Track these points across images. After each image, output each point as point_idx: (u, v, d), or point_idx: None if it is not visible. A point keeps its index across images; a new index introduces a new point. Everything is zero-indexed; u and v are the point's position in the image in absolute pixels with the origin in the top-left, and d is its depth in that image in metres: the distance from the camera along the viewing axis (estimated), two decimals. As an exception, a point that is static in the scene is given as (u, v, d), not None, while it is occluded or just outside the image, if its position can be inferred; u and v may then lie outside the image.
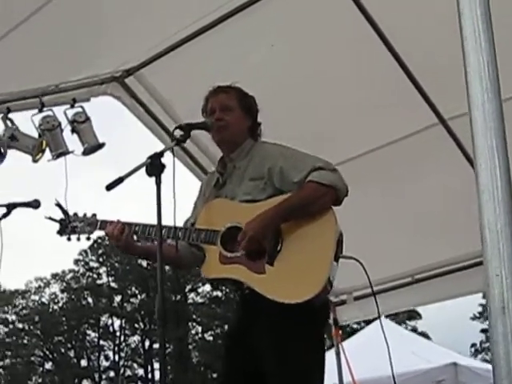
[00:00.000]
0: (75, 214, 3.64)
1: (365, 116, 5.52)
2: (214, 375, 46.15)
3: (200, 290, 47.72)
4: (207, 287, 46.56)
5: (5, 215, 3.83)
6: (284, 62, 5.23)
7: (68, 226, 3.60)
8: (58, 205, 3.58)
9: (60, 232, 3.63)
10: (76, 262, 49.41)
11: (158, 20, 4.94)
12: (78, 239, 3.63)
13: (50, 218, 3.59)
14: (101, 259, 49.49)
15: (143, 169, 2.92)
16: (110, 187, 2.91)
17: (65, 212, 3.61)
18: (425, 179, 5.93)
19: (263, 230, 3.20)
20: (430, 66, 5.10)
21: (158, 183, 2.84)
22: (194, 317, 48.80)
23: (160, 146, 5.99)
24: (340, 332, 7.24)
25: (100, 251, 49.12)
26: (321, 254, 3.18)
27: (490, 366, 10.18)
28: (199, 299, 49.23)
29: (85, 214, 3.64)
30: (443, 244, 6.38)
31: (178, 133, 3.28)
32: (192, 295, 49.22)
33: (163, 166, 2.90)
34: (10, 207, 3.84)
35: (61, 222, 3.63)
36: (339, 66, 5.23)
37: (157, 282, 2.77)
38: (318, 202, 3.22)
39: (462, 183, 5.82)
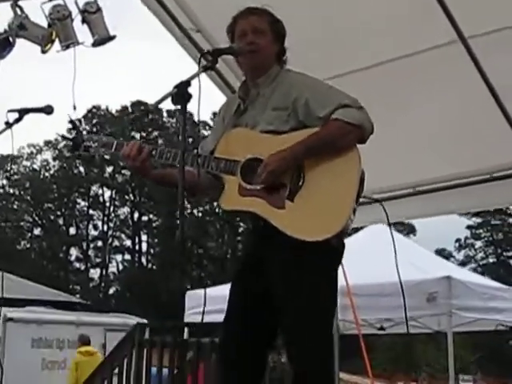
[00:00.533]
0: (89, 133, 3.52)
1: (379, 29, 5.38)
2: (200, 250, 47.23)
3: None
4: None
5: (17, 120, 3.75)
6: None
7: (81, 145, 3.45)
8: (71, 122, 3.44)
9: (72, 151, 3.49)
10: (69, 130, 49.37)
11: None
12: (92, 159, 3.55)
13: (63, 137, 3.49)
14: (94, 129, 49.44)
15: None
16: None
17: (78, 130, 3.47)
18: (437, 96, 5.82)
19: (284, 164, 3.14)
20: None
21: (184, 112, 2.75)
22: (184, 191, 49.20)
23: (171, 39, 5.88)
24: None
25: (94, 121, 49.01)
26: (343, 193, 3.12)
27: (483, 281, 10.37)
28: (190, 173, 49.63)
29: (100, 134, 3.51)
30: (448, 160, 6.36)
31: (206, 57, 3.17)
32: (183, 169, 49.58)
33: (190, 96, 2.79)
34: (22, 112, 3.74)
35: (74, 140, 3.47)
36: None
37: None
38: (343, 141, 3.14)
39: (474, 103, 5.78)
